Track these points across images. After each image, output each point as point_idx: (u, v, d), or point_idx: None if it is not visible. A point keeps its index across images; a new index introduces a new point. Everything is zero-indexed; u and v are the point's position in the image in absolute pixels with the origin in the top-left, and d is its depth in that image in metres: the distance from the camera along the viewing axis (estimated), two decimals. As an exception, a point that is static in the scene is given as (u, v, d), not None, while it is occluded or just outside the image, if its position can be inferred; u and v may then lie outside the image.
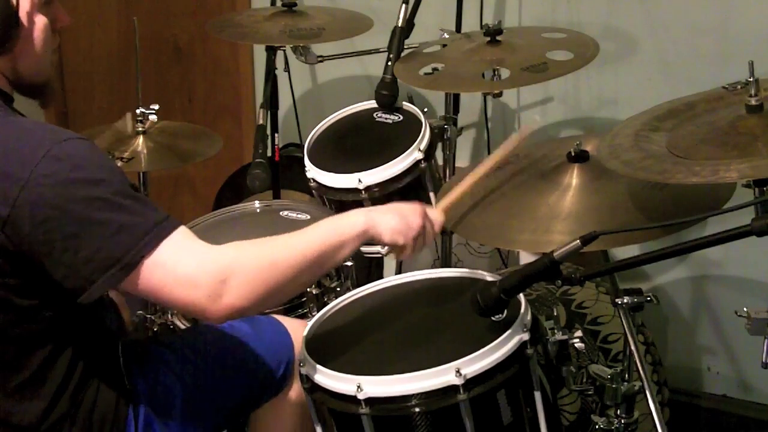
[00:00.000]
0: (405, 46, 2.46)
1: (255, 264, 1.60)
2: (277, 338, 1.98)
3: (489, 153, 2.98)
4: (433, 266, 2.91)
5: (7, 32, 1.65)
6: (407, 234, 1.78)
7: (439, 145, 2.49)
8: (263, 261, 1.61)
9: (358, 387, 1.67)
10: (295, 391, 1.97)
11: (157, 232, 1.56)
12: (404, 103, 2.45)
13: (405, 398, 1.66)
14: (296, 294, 1.76)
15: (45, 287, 1.60)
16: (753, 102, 1.62)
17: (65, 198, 1.53)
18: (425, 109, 2.37)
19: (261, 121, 2.59)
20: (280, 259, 1.63)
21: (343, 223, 1.73)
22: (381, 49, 2.61)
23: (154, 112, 2.64)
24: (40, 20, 1.70)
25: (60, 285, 1.57)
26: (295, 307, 2.20)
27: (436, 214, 1.88)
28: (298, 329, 1.93)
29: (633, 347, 1.89)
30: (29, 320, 1.65)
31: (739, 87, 1.74)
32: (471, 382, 1.66)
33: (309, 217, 2.39)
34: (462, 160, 2.95)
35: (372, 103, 2.47)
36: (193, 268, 1.56)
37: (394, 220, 1.77)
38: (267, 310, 2.13)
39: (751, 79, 1.63)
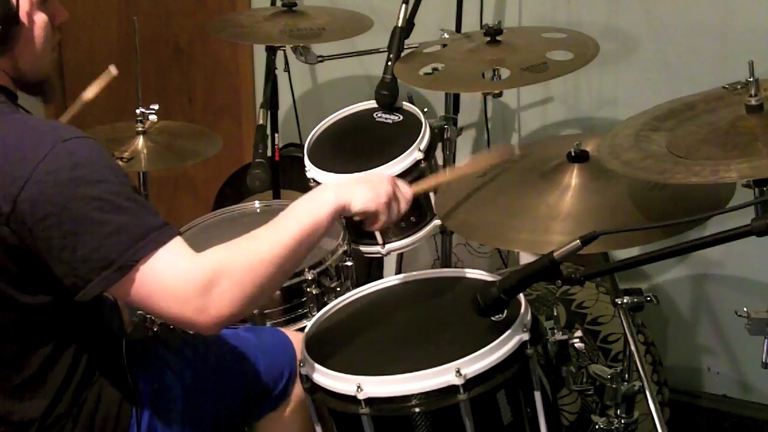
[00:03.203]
0: (405, 46, 2.46)
1: (238, 268, 1.59)
2: (279, 347, 1.98)
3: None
4: (433, 266, 2.91)
5: (8, 32, 1.65)
6: (377, 200, 1.78)
7: (439, 145, 2.48)
8: (246, 263, 1.60)
9: (358, 387, 1.67)
10: (296, 402, 1.97)
11: (153, 238, 1.55)
12: (404, 103, 2.44)
13: (405, 398, 1.66)
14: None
15: (48, 285, 1.60)
16: (753, 102, 1.61)
17: (65, 196, 1.53)
18: (425, 109, 2.36)
19: (261, 121, 2.59)
20: (262, 257, 1.62)
21: (315, 204, 1.72)
22: (381, 49, 2.61)
23: (154, 112, 2.64)
24: (40, 18, 1.70)
25: (62, 282, 1.57)
26: (295, 307, 2.20)
27: (406, 186, 1.88)
28: (300, 341, 1.92)
29: (633, 347, 1.89)
30: (32, 318, 1.65)
31: (739, 87, 1.74)
32: (471, 382, 1.66)
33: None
34: (462, 160, 2.95)
35: (372, 103, 2.47)
36: (182, 281, 1.56)
37: (362, 189, 1.77)
38: (265, 310, 2.14)
39: (751, 79, 1.63)
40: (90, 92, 2.54)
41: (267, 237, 1.66)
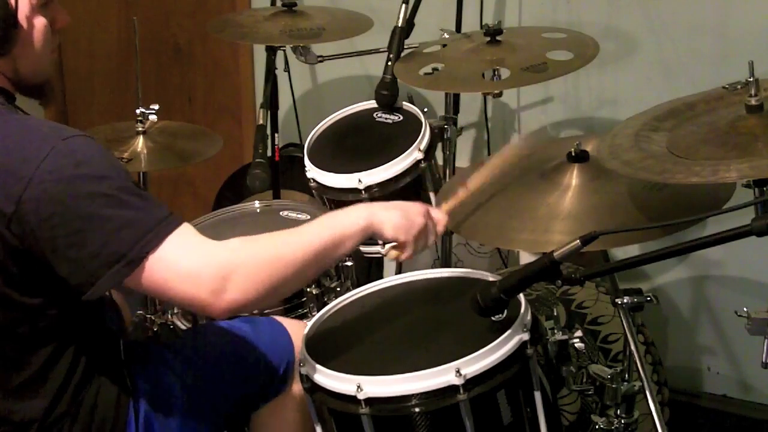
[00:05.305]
0: (405, 46, 2.46)
1: (258, 260, 1.60)
2: (278, 339, 1.98)
3: (489, 153, 3.01)
4: (433, 266, 2.91)
5: (7, 34, 1.65)
6: (409, 230, 1.78)
7: (439, 145, 2.48)
8: (266, 257, 1.61)
9: (358, 387, 1.67)
10: (295, 392, 1.97)
11: (160, 228, 1.56)
12: (404, 103, 2.44)
13: (405, 398, 1.66)
14: (297, 290, 1.77)
15: (49, 285, 1.61)
16: (753, 102, 1.62)
17: (69, 194, 1.53)
18: (425, 109, 2.36)
19: (261, 121, 2.59)
20: (283, 255, 1.63)
21: (345, 219, 1.73)
22: (381, 49, 2.61)
23: (154, 112, 2.64)
24: (40, 21, 1.70)
25: (64, 283, 1.57)
26: (295, 307, 2.20)
27: (440, 214, 1.87)
28: (298, 330, 1.93)
29: (633, 347, 1.89)
30: (33, 319, 1.65)
31: (739, 87, 1.74)
32: (471, 382, 1.65)
33: (309, 217, 2.39)
34: (462, 160, 2.95)
35: (372, 103, 2.47)
36: (196, 263, 1.57)
37: (396, 216, 1.77)
38: (267, 309, 2.14)
39: (751, 79, 1.63)
40: None
41: (291, 238, 1.67)
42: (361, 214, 1.74)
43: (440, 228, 1.86)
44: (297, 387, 1.95)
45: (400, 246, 1.81)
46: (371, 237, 1.76)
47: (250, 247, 1.62)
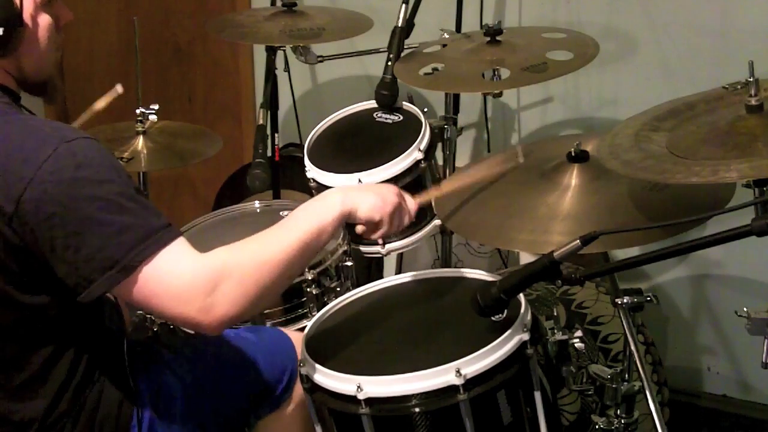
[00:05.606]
0: (405, 46, 2.46)
1: (243, 269, 1.59)
2: (280, 347, 1.98)
3: (489, 152, 3.00)
4: (433, 266, 2.91)
5: (12, 33, 1.65)
6: (383, 209, 1.79)
7: (439, 145, 2.48)
8: (251, 264, 1.60)
9: (358, 387, 1.67)
10: (298, 402, 1.97)
11: (157, 239, 1.56)
12: (404, 103, 2.44)
13: (405, 398, 1.66)
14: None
15: (49, 285, 1.60)
16: (753, 102, 1.62)
17: (70, 196, 1.53)
18: (425, 109, 2.36)
19: (261, 121, 2.59)
20: (267, 258, 1.62)
21: (321, 208, 1.73)
22: (381, 49, 2.60)
23: (154, 112, 2.64)
24: (44, 19, 1.70)
25: (64, 282, 1.57)
26: (295, 307, 2.20)
27: (411, 200, 1.89)
28: (301, 340, 1.92)
29: (633, 347, 1.89)
30: (33, 318, 1.65)
31: (739, 87, 1.74)
32: (471, 382, 1.66)
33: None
34: (462, 160, 2.95)
35: (372, 103, 2.47)
36: (186, 282, 1.56)
37: (369, 197, 1.78)
38: (265, 310, 2.14)
39: (751, 79, 1.63)
40: (99, 104, 2.61)
41: (272, 239, 1.66)
42: (336, 199, 1.75)
43: (413, 211, 1.88)
44: (299, 396, 1.95)
45: (375, 224, 1.82)
46: (348, 220, 1.77)
47: (235, 258, 1.60)
